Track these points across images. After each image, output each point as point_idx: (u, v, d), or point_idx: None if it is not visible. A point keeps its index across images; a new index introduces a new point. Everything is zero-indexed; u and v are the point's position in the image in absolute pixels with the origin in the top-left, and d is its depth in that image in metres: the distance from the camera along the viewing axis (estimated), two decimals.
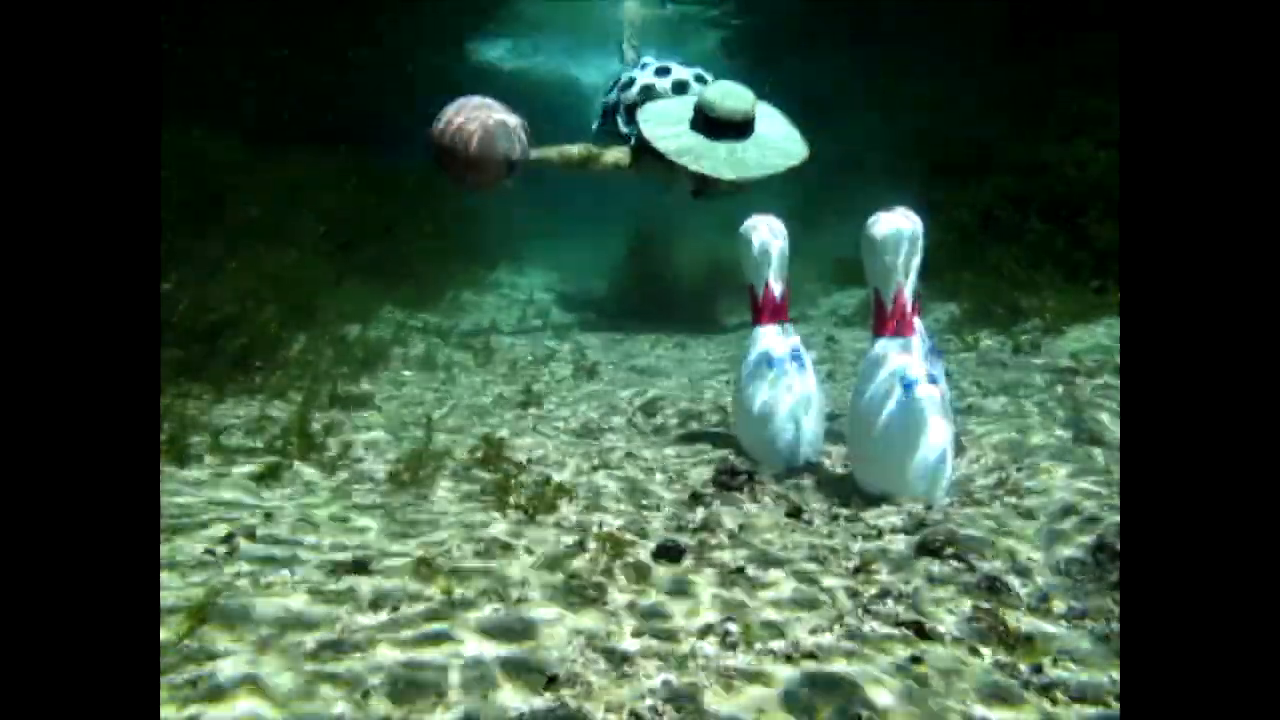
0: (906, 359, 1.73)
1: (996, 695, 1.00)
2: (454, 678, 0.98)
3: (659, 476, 1.90)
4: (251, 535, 1.33)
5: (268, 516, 1.42)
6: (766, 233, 2.05)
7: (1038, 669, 1.06)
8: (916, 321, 1.82)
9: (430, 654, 1.03)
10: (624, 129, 4.29)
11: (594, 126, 4.65)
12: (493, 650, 1.05)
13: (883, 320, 1.78)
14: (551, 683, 0.99)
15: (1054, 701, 1.00)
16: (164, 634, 1.01)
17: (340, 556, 1.28)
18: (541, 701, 0.95)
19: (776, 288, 2.07)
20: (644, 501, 1.69)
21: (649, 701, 0.95)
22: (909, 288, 1.77)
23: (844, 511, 1.67)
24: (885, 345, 1.75)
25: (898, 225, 1.74)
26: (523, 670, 1.01)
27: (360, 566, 1.24)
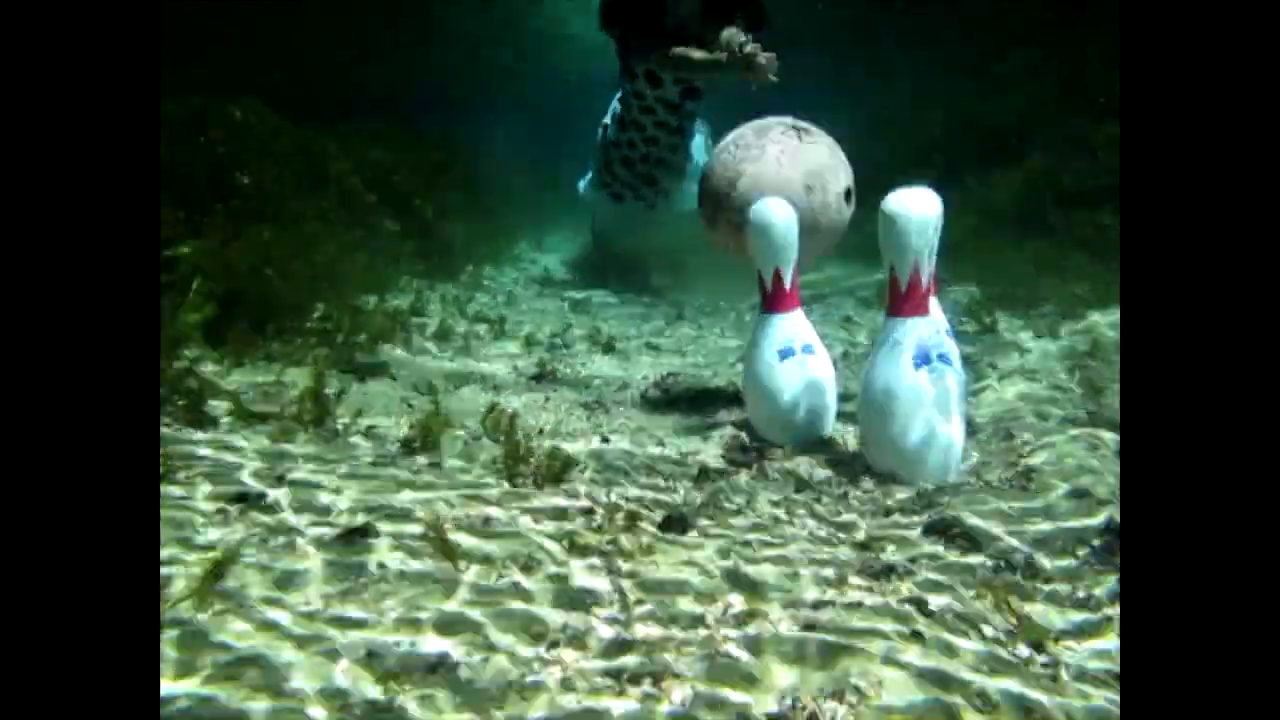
0: (919, 339, 1.72)
1: (995, 672, 1.01)
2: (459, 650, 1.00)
3: (669, 450, 1.90)
4: (263, 497, 1.35)
5: (279, 479, 1.45)
6: (777, 216, 2.02)
7: (1039, 647, 1.07)
8: (932, 301, 1.80)
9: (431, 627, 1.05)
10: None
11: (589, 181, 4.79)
12: (492, 626, 1.06)
13: (897, 299, 1.76)
14: (553, 647, 1.01)
15: (1055, 679, 1.00)
16: (179, 588, 1.03)
17: (348, 520, 1.30)
18: (537, 668, 0.96)
19: (787, 273, 2.05)
20: (653, 474, 1.70)
21: (650, 668, 0.96)
22: (926, 267, 1.76)
23: (853, 489, 1.68)
24: (898, 324, 1.74)
25: (916, 203, 1.72)
26: (523, 631, 1.02)
27: (367, 531, 1.26)
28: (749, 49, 3.33)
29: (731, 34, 3.65)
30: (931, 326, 1.75)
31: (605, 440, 1.93)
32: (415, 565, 1.18)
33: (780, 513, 1.52)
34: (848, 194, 2.20)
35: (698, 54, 3.70)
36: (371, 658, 0.95)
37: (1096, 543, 1.35)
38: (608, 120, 4.68)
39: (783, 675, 0.96)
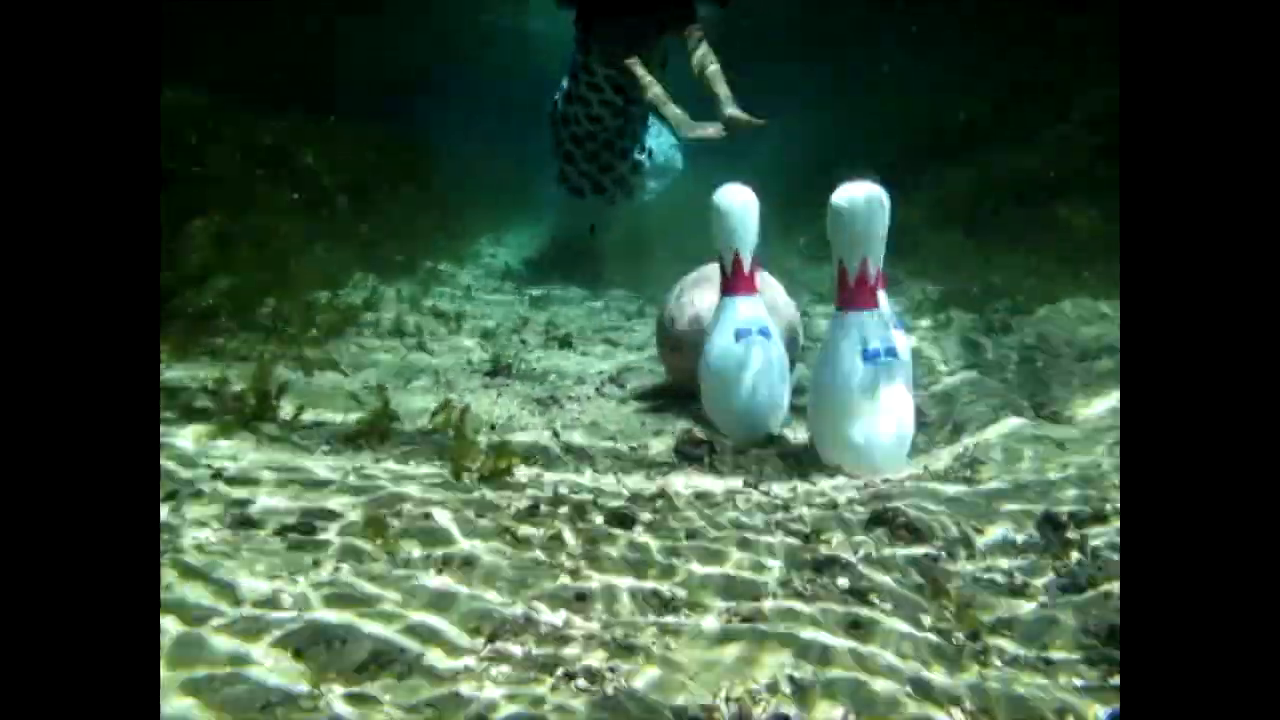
0: (867, 331, 1.73)
1: (933, 660, 1.01)
2: (395, 639, 0.98)
3: (621, 444, 1.89)
4: (198, 494, 1.32)
5: (216, 475, 1.41)
6: (737, 201, 2.03)
7: (974, 635, 1.08)
8: (881, 294, 1.82)
9: (369, 622, 1.03)
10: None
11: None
12: (430, 620, 1.05)
13: (845, 292, 1.77)
14: (491, 641, 1.00)
15: (985, 665, 1.01)
16: None
17: (289, 517, 1.28)
18: (473, 661, 0.95)
19: (746, 258, 2.05)
20: (602, 468, 1.69)
21: (588, 662, 0.95)
22: (873, 260, 1.77)
23: (801, 482, 1.68)
24: (847, 317, 1.75)
25: (863, 197, 1.73)
26: (460, 626, 1.01)
27: (307, 528, 1.23)
28: (715, 131, 3.58)
29: (716, 77, 3.73)
30: (880, 320, 1.76)
31: (556, 435, 1.91)
32: (353, 560, 1.16)
33: (727, 505, 1.52)
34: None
35: (659, 94, 3.78)
36: (299, 655, 0.93)
37: (1036, 533, 1.36)
38: (558, 97, 4.65)
39: (719, 668, 0.96)
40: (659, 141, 4.99)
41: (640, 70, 3.81)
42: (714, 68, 3.79)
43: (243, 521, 1.25)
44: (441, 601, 1.07)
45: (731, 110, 3.63)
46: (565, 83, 4.59)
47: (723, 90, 3.72)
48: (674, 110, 3.75)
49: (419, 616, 1.03)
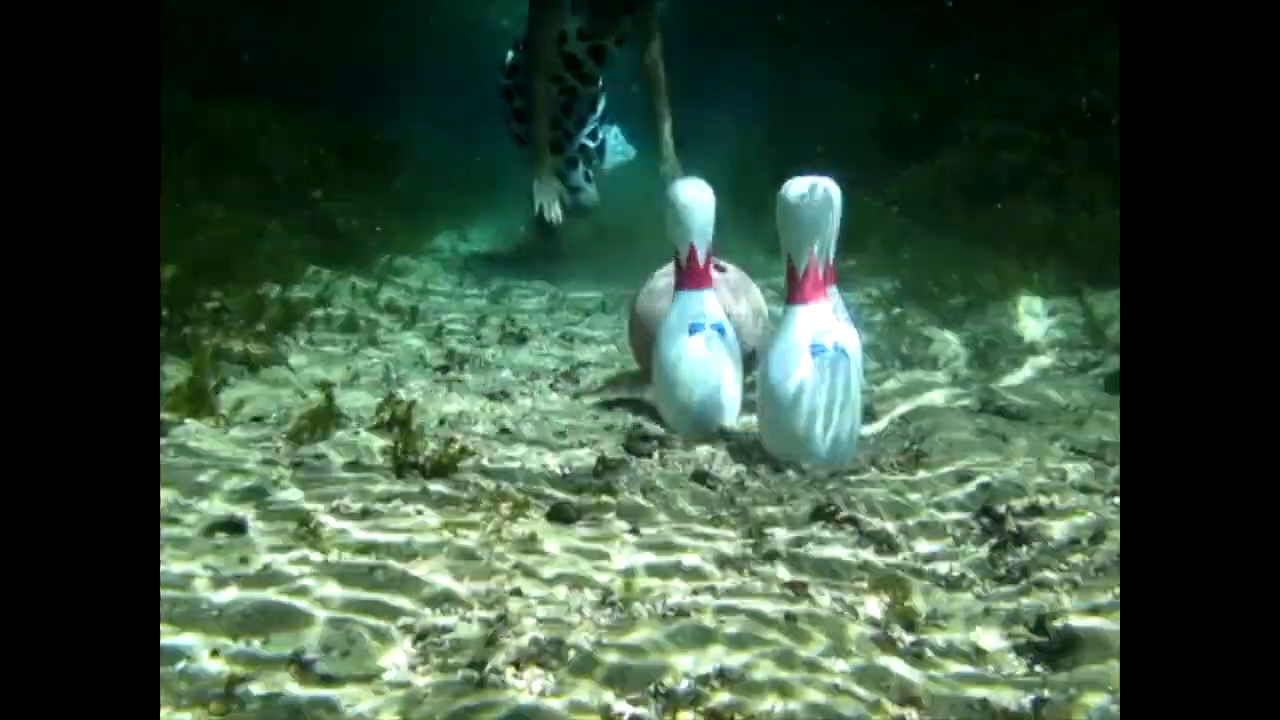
0: (815, 326, 1.73)
1: (865, 652, 1.01)
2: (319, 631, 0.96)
3: (570, 440, 1.88)
4: None
5: None
6: (693, 194, 2.02)
7: (910, 627, 1.08)
8: (831, 289, 1.82)
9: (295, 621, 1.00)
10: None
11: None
12: (360, 618, 1.02)
13: (794, 286, 1.78)
14: (420, 639, 0.98)
15: (919, 657, 1.01)
16: None
17: (218, 515, 1.25)
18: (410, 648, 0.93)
19: (701, 251, 2.04)
20: (548, 464, 1.67)
21: (517, 658, 0.94)
22: (823, 255, 1.77)
23: (748, 477, 1.68)
24: (795, 312, 1.76)
25: (812, 191, 1.73)
26: (390, 629, 0.99)
27: (236, 526, 1.20)
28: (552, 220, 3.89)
29: (663, 120, 3.81)
30: (829, 314, 1.77)
31: (504, 431, 1.89)
32: (283, 558, 1.13)
33: (674, 500, 1.51)
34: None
35: (542, 135, 3.89)
36: (216, 652, 0.91)
37: (974, 525, 1.38)
38: (502, 72, 4.56)
39: (650, 662, 0.95)
40: (608, 132, 4.94)
41: (539, 130, 3.87)
42: (667, 126, 3.86)
43: (170, 519, 1.21)
44: (373, 599, 1.05)
45: (665, 168, 3.78)
46: (510, 55, 4.48)
47: (666, 136, 3.83)
48: (545, 165, 3.88)
49: (348, 614, 1.01)
